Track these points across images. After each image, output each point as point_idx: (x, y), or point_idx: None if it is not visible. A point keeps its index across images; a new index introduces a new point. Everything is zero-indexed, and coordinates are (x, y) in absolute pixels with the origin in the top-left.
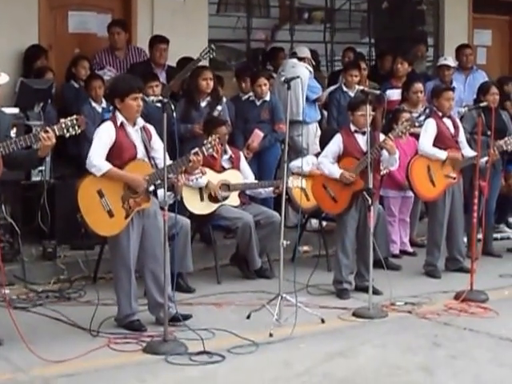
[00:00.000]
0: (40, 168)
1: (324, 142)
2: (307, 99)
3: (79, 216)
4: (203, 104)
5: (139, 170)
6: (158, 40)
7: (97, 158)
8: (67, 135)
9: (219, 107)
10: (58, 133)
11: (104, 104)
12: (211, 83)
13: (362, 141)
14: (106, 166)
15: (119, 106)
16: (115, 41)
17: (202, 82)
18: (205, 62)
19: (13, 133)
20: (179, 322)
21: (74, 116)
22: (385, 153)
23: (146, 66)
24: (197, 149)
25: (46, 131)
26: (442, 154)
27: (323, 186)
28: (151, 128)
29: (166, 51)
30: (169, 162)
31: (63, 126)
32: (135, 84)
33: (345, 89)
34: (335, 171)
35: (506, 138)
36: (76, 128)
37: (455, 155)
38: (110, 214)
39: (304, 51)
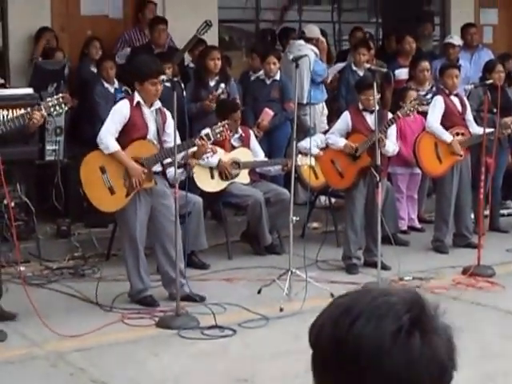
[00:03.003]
0: (54, 147)
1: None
2: (313, 82)
3: (81, 190)
4: (212, 83)
5: (144, 149)
6: (156, 21)
7: (107, 135)
8: (54, 113)
9: (222, 85)
10: (45, 112)
11: (116, 84)
12: (219, 63)
13: (370, 119)
14: (114, 147)
15: (138, 88)
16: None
17: (210, 62)
18: (214, 42)
19: None
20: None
21: (60, 94)
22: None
23: (147, 47)
24: (205, 131)
25: (40, 109)
26: (448, 138)
27: (331, 161)
28: (167, 112)
29: (164, 32)
30: (178, 142)
31: (50, 104)
32: (155, 68)
33: (354, 67)
34: (340, 141)
35: None
36: (62, 106)
37: (457, 148)
38: (111, 190)
39: (313, 31)
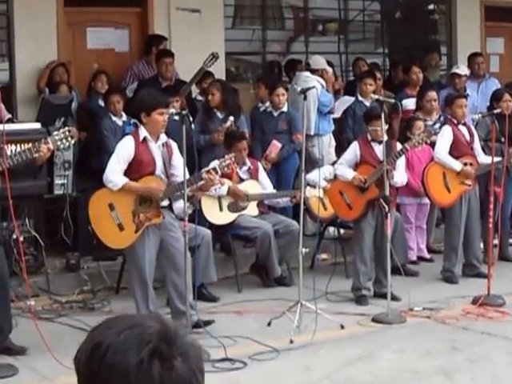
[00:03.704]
0: (62, 181)
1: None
2: (319, 112)
3: (90, 227)
4: (221, 116)
5: (152, 185)
6: (163, 54)
7: (113, 174)
8: (61, 147)
9: (231, 118)
10: (52, 146)
11: (124, 117)
12: (215, 97)
13: (378, 150)
14: (122, 181)
15: (145, 120)
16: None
17: (208, 97)
18: (221, 75)
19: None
20: (201, 329)
21: (66, 128)
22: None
23: (154, 80)
24: (212, 165)
25: (47, 142)
26: (457, 166)
27: (340, 193)
28: (173, 144)
29: (171, 65)
30: (187, 175)
31: (56, 138)
32: (162, 100)
33: (360, 98)
34: (348, 173)
35: None
36: (69, 139)
37: (469, 172)
38: (121, 227)
39: (318, 62)
